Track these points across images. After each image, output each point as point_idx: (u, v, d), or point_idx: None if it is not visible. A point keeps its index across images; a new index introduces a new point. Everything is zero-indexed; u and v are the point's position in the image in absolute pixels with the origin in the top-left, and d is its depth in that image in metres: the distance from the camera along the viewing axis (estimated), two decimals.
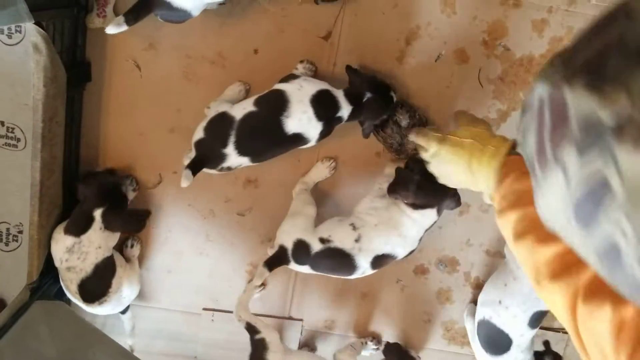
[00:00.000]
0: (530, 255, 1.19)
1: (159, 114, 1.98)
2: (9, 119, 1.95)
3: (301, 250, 1.83)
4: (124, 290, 1.98)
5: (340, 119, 1.78)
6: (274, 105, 1.72)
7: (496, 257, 2.20)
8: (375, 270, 1.87)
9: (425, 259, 2.21)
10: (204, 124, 1.77)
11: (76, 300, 1.88)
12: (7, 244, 2.10)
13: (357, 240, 1.81)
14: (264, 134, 1.73)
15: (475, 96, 1.96)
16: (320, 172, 2.02)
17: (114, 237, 1.93)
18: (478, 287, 2.24)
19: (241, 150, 1.72)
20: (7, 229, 2.09)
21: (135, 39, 1.88)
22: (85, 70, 1.89)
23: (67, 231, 1.85)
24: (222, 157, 1.73)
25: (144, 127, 1.99)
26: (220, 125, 1.74)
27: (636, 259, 0.59)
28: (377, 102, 1.78)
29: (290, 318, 2.29)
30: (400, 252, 1.85)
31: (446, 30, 1.89)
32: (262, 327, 1.96)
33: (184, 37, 1.89)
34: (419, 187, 1.74)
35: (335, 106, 1.75)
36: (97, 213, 1.85)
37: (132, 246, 2.09)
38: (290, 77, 1.80)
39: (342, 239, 1.82)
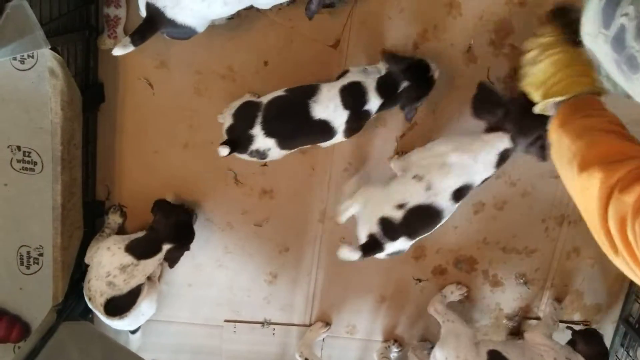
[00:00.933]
0: (574, 142, 1.26)
1: (172, 131, 2.00)
2: (25, 143, 1.97)
3: (388, 227, 1.76)
4: (143, 307, 1.99)
5: (368, 113, 1.75)
6: (304, 90, 1.73)
7: (513, 253, 2.21)
8: (459, 203, 1.82)
9: (443, 260, 2.22)
10: (231, 111, 1.77)
11: (97, 311, 1.88)
12: (28, 267, 2.12)
13: (428, 189, 1.74)
14: (291, 115, 1.72)
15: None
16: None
17: (159, 268, 2.00)
18: (497, 284, 2.25)
19: (267, 131, 1.70)
20: (28, 252, 2.11)
21: (147, 58, 1.90)
22: (99, 92, 1.91)
23: (129, 250, 1.86)
24: (250, 139, 1.71)
25: (158, 144, 2.01)
26: (247, 109, 1.74)
27: (634, 35, 0.87)
28: (415, 90, 1.76)
29: (312, 325, 2.30)
30: (477, 179, 1.78)
31: (453, 32, 1.90)
32: None
33: (194, 54, 1.91)
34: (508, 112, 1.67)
35: (363, 98, 1.73)
36: (166, 247, 1.89)
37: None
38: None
39: (413, 194, 1.75)
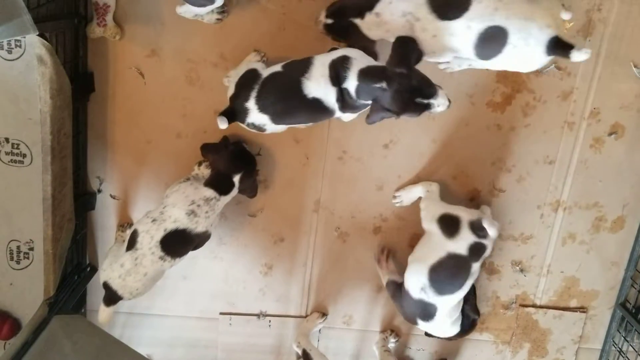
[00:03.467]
0: None
1: (165, 120, 1.97)
2: (14, 134, 1.93)
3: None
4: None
5: (348, 92, 1.65)
6: (298, 67, 1.69)
7: (509, 240, 2.20)
8: None
9: None
10: (236, 79, 1.76)
11: (151, 246, 1.79)
12: (18, 262, 2.08)
13: None
14: (284, 93, 1.69)
15: (479, 81, 1.97)
16: None
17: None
18: (493, 272, 2.24)
19: (261, 107, 1.70)
20: (18, 247, 2.07)
21: (137, 47, 1.88)
22: (89, 81, 1.88)
23: (209, 185, 1.84)
24: (245, 111, 1.71)
25: (150, 134, 1.98)
26: (247, 81, 1.73)
27: None
28: (389, 99, 1.59)
29: (308, 316, 2.29)
30: None
31: None
32: (317, 356, 2.03)
33: (185, 42, 1.88)
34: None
35: (344, 74, 1.63)
36: (236, 179, 1.86)
37: None
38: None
39: None
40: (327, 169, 2.08)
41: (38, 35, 1.48)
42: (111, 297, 1.82)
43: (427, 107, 1.60)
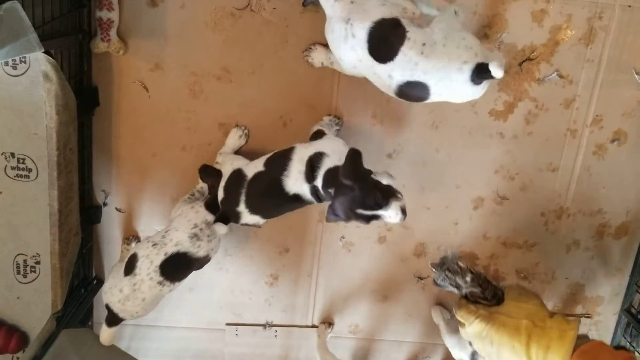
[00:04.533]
0: None
1: (169, 134, 1.98)
2: (19, 149, 1.94)
3: None
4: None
5: (317, 189, 1.66)
6: (279, 164, 1.71)
7: (513, 248, 2.21)
8: None
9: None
10: (223, 183, 1.81)
11: (150, 272, 1.78)
12: (25, 276, 2.09)
13: None
14: (269, 194, 1.73)
15: None
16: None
17: None
18: (498, 279, 2.25)
19: (251, 209, 1.76)
20: (25, 261, 2.07)
21: (141, 61, 1.89)
22: (93, 96, 1.89)
23: (208, 208, 1.85)
24: (238, 215, 1.77)
25: (156, 147, 1.99)
26: (233, 185, 1.78)
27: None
28: (339, 206, 1.57)
29: (314, 326, 2.29)
30: None
31: None
32: None
33: (189, 55, 1.89)
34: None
35: (315, 173, 1.65)
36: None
37: None
38: (316, 135, 1.83)
39: None
40: None
41: (43, 52, 1.49)
42: (112, 319, 1.82)
43: (374, 217, 1.57)
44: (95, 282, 2.15)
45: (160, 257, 1.77)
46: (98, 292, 2.13)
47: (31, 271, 2.09)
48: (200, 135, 1.98)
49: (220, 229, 1.78)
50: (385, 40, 1.56)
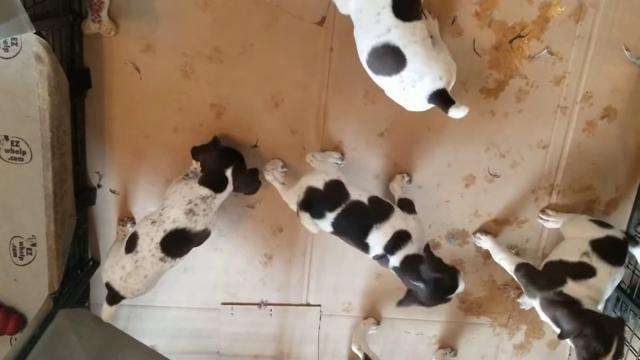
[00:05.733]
0: None
1: (161, 115, 1.99)
2: (13, 132, 1.94)
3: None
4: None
5: (386, 260, 1.88)
6: (377, 211, 1.86)
7: (504, 225, 2.23)
8: None
9: (436, 234, 2.24)
10: (320, 179, 1.85)
11: (149, 244, 1.81)
12: (21, 258, 2.11)
13: None
14: (354, 227, 1.86)
15: (472, 69, 1.99)
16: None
17: None
18: (489, 256, 2.27)
19: (335, 225, 1.86)
20: (20, 243, 2.09)
21: (132, 42, 1.89)
22: (85, 77, 1.89)
23: (203, 183, 1.87)
24: (321, 215, 1.84)
25: (148, 129, 2.00)
26: (335, 193, 1.85)
27: None
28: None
29: (308, 305, 2.32)
30: None
31: (438, 5, 1.90)
32: None
33: (179, 36, 1.89)
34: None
35: (393, 250, 1.85)
36: (228, 173, 1.89)
37: None
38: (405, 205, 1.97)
39: None
40: None
41: (35, 33, 1.49)
42: (114, 297, 1.85)
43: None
44: (91, 263, 2.17)
45: (160, 234, 1.80)
46: (94, 273, 2.15)
47: (27, 253, 2.10)
48: (192, 116, 1.99)
49: (304, 218, 1.81)
50: (411, 3, 1.63)
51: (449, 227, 2.24)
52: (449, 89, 1.66)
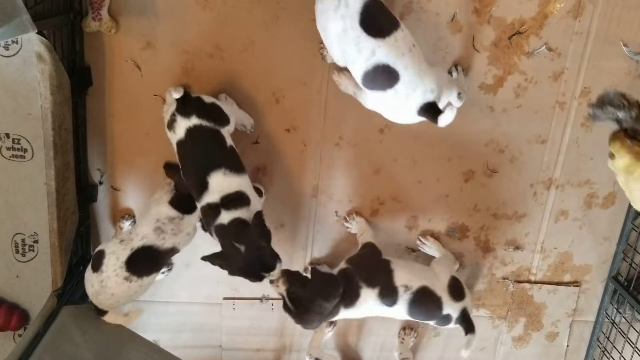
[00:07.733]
0: None
1: (162, 112, 1.98)
2: (14, 130, 1.96)
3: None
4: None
5: None
6: None
7: (503, 219, 2.25)
8: None
9: (435, 228, 2.26)
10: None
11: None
12: (23, 255, 2.13)
13: None
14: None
15: (471, 65, 2.00)
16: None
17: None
18: (488, 250, 2.30)
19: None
20: (23, 240, 2.11)
21: (132, 39, 1.89)
22: (86, 75, 1.90)
23: (172, 204, 1.87)
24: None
25: (149, 126, 2.00)
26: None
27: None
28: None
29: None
30: None
31: (438, 1, 1.91)
32: None
33: (180, 33, 1.90)
34: None
35: None
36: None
37: None
38: None
39: None
40: (324, 154, 2.11)
41: (36, 33, 1.50)
42: (97, 311, 1.85)
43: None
44: None
45: (127, 253, 1.81)
46: None
47: (30, 250, 2.12)
48: None
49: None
50: (380, 18, 1.63)
51: (448, 221, 2.25)
52: (439, 103, 1.68)
